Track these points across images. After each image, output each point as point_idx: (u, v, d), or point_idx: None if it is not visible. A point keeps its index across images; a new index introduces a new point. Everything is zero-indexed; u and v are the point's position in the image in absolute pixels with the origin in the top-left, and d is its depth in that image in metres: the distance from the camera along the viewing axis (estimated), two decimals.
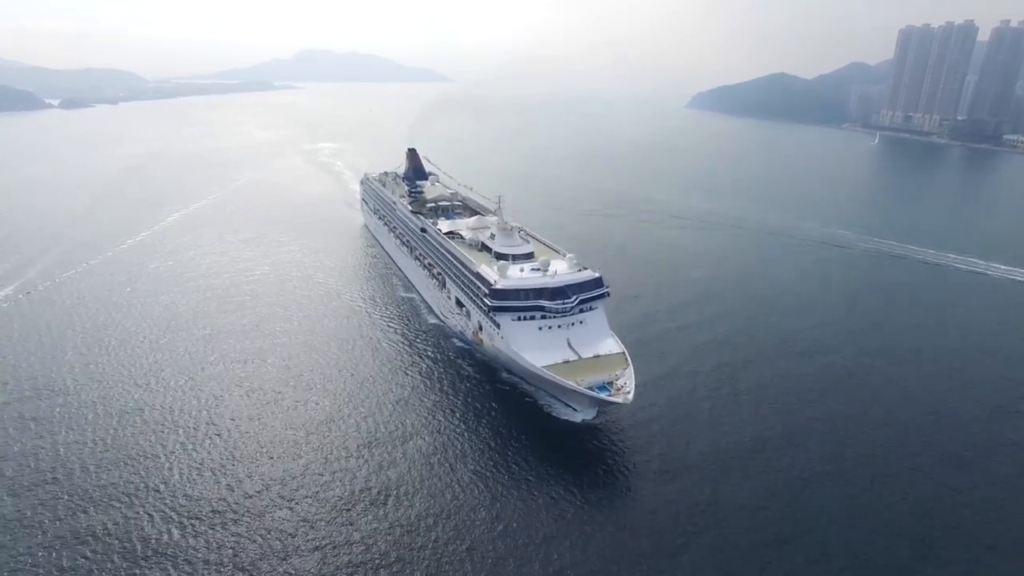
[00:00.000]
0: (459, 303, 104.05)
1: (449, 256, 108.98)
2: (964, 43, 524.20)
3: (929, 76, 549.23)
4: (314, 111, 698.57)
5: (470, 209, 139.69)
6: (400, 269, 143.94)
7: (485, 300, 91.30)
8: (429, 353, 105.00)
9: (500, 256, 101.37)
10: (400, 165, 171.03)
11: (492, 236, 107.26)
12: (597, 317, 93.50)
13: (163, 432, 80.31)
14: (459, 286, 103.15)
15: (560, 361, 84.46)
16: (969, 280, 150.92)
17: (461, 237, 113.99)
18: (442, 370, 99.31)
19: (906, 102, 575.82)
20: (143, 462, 74.45)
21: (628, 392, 76.80)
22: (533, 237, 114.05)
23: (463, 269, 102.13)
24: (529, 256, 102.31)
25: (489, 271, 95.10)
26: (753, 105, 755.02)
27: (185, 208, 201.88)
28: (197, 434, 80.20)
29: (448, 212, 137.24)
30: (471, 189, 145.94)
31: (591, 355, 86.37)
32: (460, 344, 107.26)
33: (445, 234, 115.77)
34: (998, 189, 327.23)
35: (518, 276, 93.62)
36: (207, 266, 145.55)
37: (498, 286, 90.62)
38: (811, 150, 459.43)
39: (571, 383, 78.76)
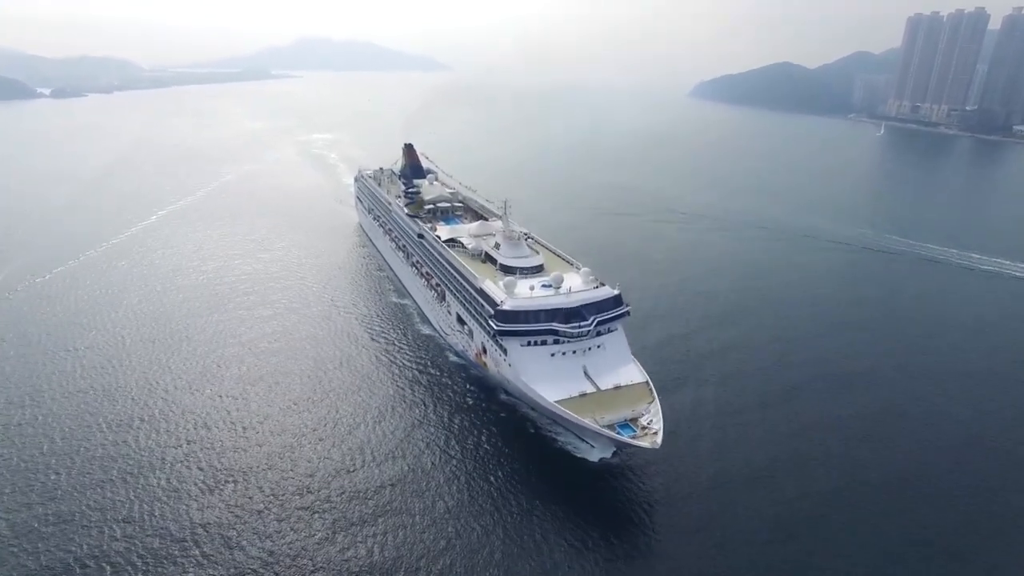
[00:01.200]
0: (460, 320, 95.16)
1: (449, 267, 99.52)
2: (975, 31, 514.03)
3: (938, 65, 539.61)
4: (310, 101, 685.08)
5: (472, 211, 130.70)
6: (395, 273, 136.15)
7: (490, 322, 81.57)
8: (419, 367, 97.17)
9: (506, 269, 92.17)
10: (396, 161, 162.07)
11: (497, 245, 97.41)
12: (617, 340, 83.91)
13: (120, 458, 73.01)
14: (460, 302, 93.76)
15: (576, 394, 74.93)
16: (1002, 285, 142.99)
17: (462, 245, 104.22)
18: (433, 387, 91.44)
19: (914, 92, 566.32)
20: (104, 491, 67.43)
21: (656, 434, 67.69)
22: (542, 245, 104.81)
23: (465, 284, 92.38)
24: (539, 269, 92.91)
25: (494, 288, 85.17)
26: (756, 95, 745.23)
27: (167, 208, 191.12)
28: (151, 463, 72.70)
29: (448, 215, 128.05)
30: (475, 192, 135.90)
31: (611, 386, 76.94)
32: (455, 359, 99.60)
33: (444, 242, 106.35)
34: (1014, 183, 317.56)
35: (527, 294, 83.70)
36: (186, 270, 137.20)
37: (505, 307, 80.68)
38: (817, 142, 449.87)
39: (590, 422, 69.52)
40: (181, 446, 75.84)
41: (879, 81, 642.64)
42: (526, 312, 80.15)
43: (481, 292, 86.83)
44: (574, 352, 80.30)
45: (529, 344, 79.97)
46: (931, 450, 79.56)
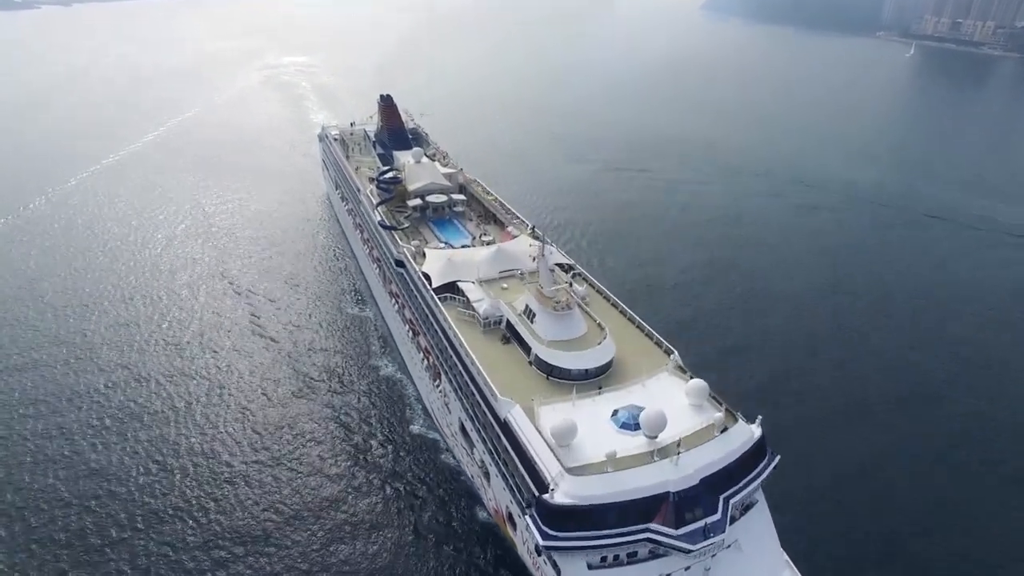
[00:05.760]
0: (465, 433, 57.46)
1: (446, 343, 59.18)
2: None
3: None
4: (288, 16, 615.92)
5: (479, 205, 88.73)
6: (360, 270, 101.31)
7: (530, 518, 42.34)
8: (374, 450, 63.82)
9: (550, 372, 51.31)
10: (372, 116, 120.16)
11: (529, 312, 54.49)
12: (758, 525, 45.60)
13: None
14: (469, 415, 55.04)
15: None
16: None
17: (467, 301, 60.90)
18: (393, 488, 59.33)
19: (955, 6, 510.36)
20: None
21: None
22: (594, 290, 64.13)
23: (476, 395, 52.60)
24: (605, 369, 51.33)
25: (537, 442, 43.97)
26: (775, 9, 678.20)
27: (89, 168, 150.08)
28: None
29: (443, 215, 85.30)
30: (492, 195, 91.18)
31: None
32: (422, 430, 66.76)
33: (438, 291, 62.49)
34: None
35: (597, 458, 41.97)
36: (87, 256, 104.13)
37: (558, 498, 40.60)
38: (837, 65, 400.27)
39: None
40: None
41: None
42: (602, 508, 40.35)
43: (508, 432, 46.74)
44: (687, 570, 42.22)
45: (604, 563, 41.94)
46: None
